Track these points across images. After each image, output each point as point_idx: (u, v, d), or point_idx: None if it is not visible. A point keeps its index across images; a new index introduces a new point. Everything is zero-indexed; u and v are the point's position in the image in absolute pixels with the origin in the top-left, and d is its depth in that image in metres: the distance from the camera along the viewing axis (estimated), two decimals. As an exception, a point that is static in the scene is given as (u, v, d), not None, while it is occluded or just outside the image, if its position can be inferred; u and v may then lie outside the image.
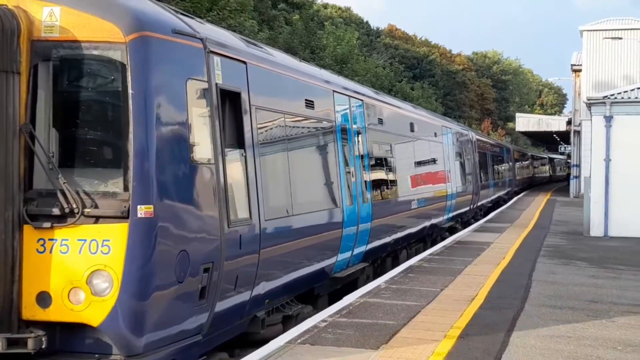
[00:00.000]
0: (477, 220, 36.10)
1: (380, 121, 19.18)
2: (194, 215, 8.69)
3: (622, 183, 26.92)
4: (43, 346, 7.50)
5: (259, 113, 10.93)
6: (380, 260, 19.74)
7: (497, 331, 11.55)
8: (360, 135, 16.88)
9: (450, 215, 29.00)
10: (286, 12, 64.15)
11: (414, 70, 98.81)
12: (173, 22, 8.81)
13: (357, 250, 15.95)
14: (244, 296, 10.19)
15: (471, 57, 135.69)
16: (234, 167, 9.96)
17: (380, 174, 18.62)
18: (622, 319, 12.93)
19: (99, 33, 7.87)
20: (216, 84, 9.39)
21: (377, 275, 18.07)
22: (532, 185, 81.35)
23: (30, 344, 7.39)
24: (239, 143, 10.18)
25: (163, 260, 7.98)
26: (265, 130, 11.35)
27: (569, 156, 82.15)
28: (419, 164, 23.65)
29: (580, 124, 53.29)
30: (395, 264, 20.19)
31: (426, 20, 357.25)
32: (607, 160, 27.22)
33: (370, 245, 16.93)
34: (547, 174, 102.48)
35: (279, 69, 12.37)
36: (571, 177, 62.29)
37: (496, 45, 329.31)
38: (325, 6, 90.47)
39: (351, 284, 16.00)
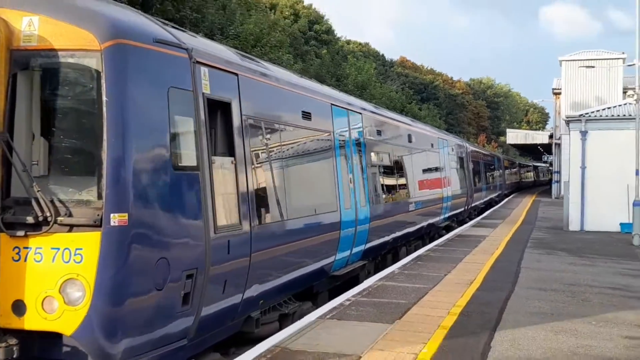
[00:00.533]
0: (471, 219, 34.97)
1: (379, 132, 17.61)
2: (175, 223, 7.51)
3: (595, 186, 26.79)
4: (15, 355, 6.54)
5: (252, 123, 9.71)
6: (380, 257, 18.02)
7: (492, 308, 11.51)
8: (358, 145, 15.36)
9: (446, 215, 27.28)
10: (316, 47, 64.39)
11: (422, 94, 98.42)
12: (155, 32, 7.67)
13: (356, 249, 14.51)
14: (235, 299, 8.95)
15: (469, 83, 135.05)
16: (223, 175, 8.73)
17: (378, 180, 16.90)
18: (596, 299, 12.85)
19: (75, 41, 6.87)
20: (203, 93, 8.23)
21: (378, 270, 16.74)
22: (520, 188, 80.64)
23: (1, 353, 6.49)
24: (230, 151, 8.95)
25: (138, 269, 6.90)
26: (259, 139, 10.06)
27: (550, 164, 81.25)
28: (415, 170, 21.63)
29: (560, 138, 52.87)
30: (396, 259, 18.80)
31: (432, 51, 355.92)
32: (583, 167, 27.11)
33: (369, 245, 15.46)
34: (532, 179, 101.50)
35: (274, 82, 11.08)
36: (553, 181, 61.81)
37: (490, 72, 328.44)
38: (348, 42, 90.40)
39: (354, 279, 14.78)
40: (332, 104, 13.93)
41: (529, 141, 79.82)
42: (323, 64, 57.48)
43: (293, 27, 58.29)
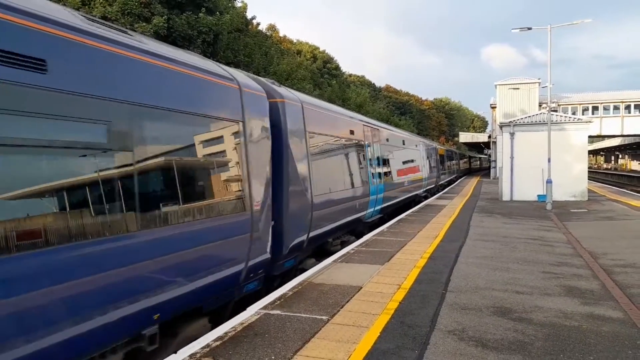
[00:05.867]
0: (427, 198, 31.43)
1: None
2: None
3: (520, 170, 26.55)
4: None
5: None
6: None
7: (451, 254, 11.46)
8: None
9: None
10: (328, 79, 63.63)
11: (401, 110, 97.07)
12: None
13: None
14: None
15: (433, 101, 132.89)
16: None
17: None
18: (521, 246, 12.75)
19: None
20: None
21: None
22: (468, 173, 79.69)
23: None
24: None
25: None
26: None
27: (489, 156, 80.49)
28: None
29: (496, 137, 52.25)
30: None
31: (407, 79, 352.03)
32: (512, 157, 26.84)
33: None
34: (477, 166, 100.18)
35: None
36: (491, 167, 61.17)
37: (447, 93, 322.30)
38: (350, 75, 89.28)
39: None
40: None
41: (475, 140, 79.02)
42: (333, 90, 56.86)
43: (312, 66, 57.91)
